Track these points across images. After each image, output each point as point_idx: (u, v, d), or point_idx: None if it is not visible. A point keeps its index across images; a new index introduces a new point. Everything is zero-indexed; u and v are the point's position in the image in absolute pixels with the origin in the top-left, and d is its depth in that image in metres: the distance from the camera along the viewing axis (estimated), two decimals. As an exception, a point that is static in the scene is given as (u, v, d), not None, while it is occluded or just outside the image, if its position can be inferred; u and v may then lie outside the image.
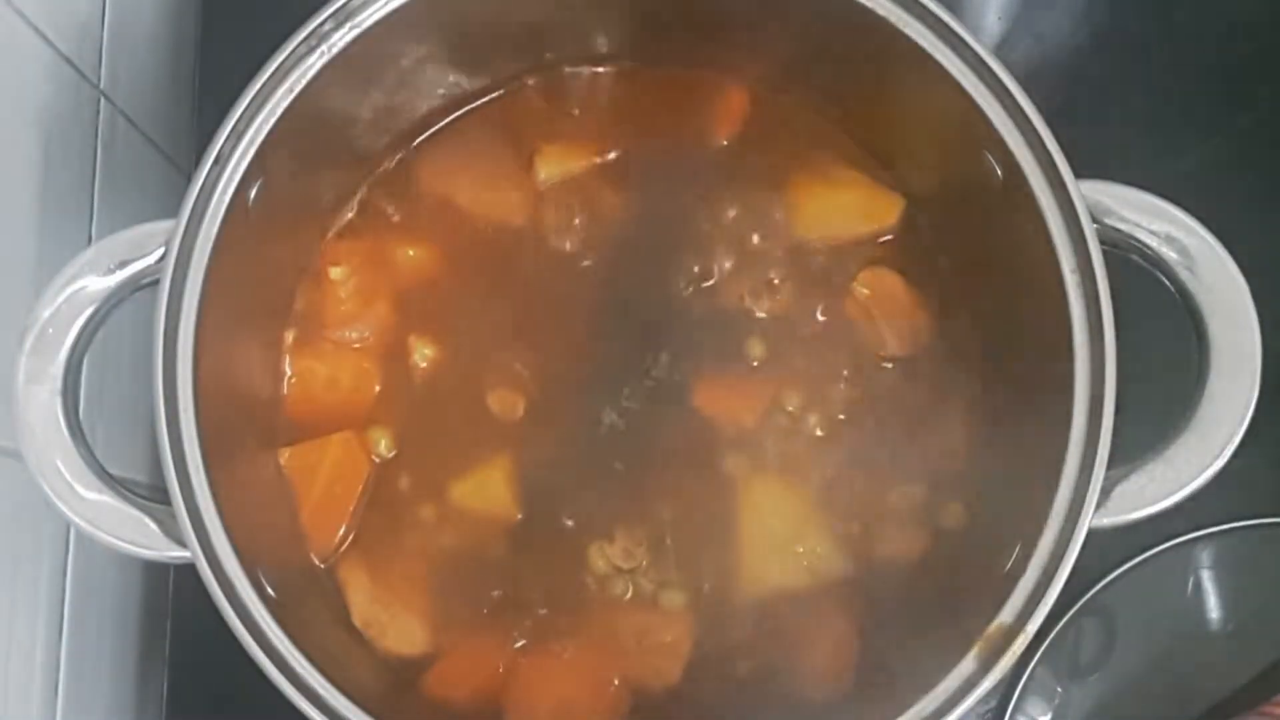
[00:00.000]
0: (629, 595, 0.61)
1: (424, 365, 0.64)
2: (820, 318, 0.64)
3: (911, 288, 0.64)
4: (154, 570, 0.72)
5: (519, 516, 0.62)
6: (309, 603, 0.59)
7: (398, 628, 0.60)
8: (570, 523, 0.61)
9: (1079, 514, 0.51)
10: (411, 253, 0.65)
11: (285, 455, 0.62)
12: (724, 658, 0.60)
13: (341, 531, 0.61)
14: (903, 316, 0.63)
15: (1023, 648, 0.51)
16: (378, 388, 0.63)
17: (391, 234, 0.65)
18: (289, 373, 0.63)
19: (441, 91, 0.65)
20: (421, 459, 0.62)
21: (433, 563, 0.61)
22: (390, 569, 0.61)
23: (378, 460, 0.62)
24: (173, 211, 0.54)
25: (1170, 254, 0.53)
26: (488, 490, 0.62)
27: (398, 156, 0.66)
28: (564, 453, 0.62)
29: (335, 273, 0.64)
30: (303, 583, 0.60)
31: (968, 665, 0.51)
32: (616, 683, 0.60)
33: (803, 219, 0.64)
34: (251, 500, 0.58)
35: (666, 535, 0.61)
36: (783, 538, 0.61)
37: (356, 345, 0.64)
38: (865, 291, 0.63)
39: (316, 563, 0.61)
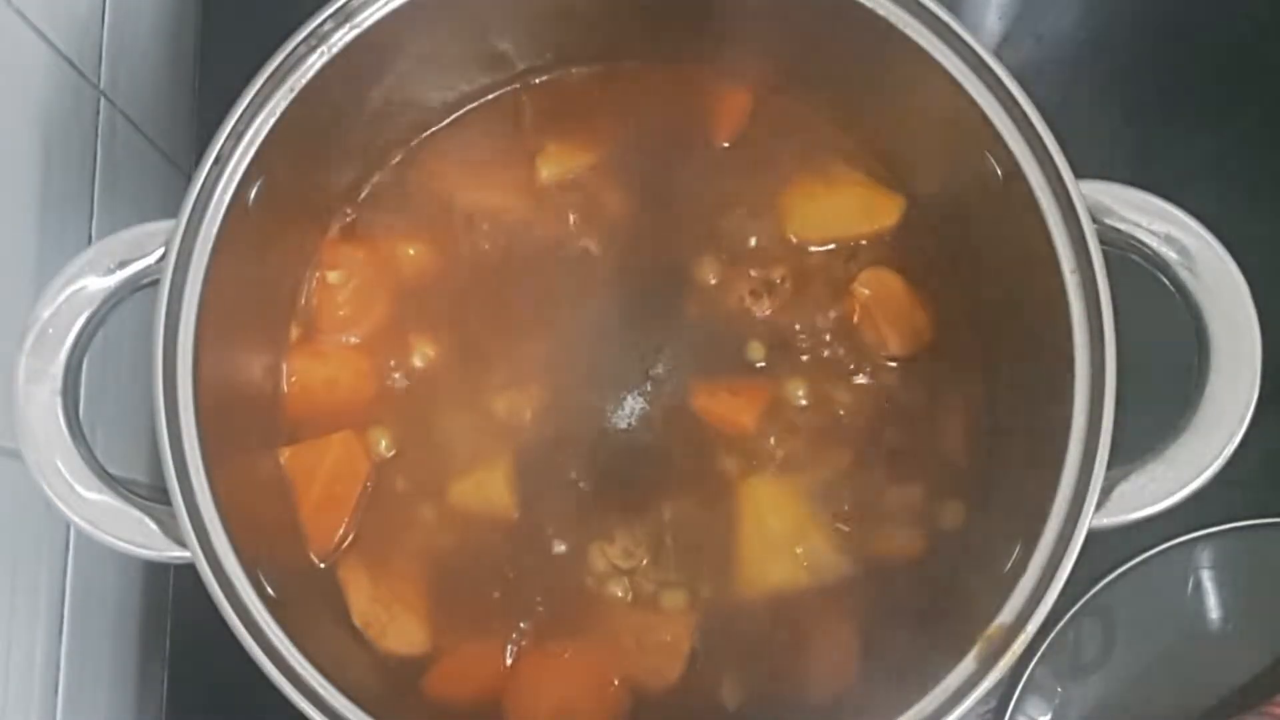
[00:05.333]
0: (629, 595, 0.61)
1: (424, 365, 0.64)
2: (820, 318, 0.64)
3: (911, 288, 0.63)
4: (154, 570, 0.72)
5: (518, 516, 0.62)
6: (309, 603, 0.59)
7: (398, 628, 0.60)
8: (570, 523, 0.61)
9: (1079, 514, 0.51)
10: (411, 252, 0.65)
11: (285, 455, 0.62)
12: (723, 658, 0.60)
13: (341, 531, 0.61)
14: (903, 316, 0.63)
15: (1023, 648, 0.51)
16: (378, 388, 0.63)
17: (392, 233, 0.65)
18: (289, 372, 0.63)
19: (441, 91, 0.65)
20: (421, 459, 0.62)
21: (433, 563, 0.61)
22: (390, 569, 0.61)
23: (377, 460, 0.62)
24: (173, 211, 0.54)
25: (1170, 254, 0.53)
26: (487, 490, 0.62)
27: (398, 156, 0.66)
28: (564, 452, 0.62)
29: (333, 277, 0.64)
30: (303, 583, 0.60)
31: (968, 665, 0.51)
32: (616, 683, 0.60)
33: (803, 219, 0.64)
34: (251, 500, 0.58)
35: (666, 535, 0.61)
36: (782, 538, 0.61)
37: (356, 345, 0.64)
38: (865, 291, 0.63)
39: (316, 563, 0.61)
